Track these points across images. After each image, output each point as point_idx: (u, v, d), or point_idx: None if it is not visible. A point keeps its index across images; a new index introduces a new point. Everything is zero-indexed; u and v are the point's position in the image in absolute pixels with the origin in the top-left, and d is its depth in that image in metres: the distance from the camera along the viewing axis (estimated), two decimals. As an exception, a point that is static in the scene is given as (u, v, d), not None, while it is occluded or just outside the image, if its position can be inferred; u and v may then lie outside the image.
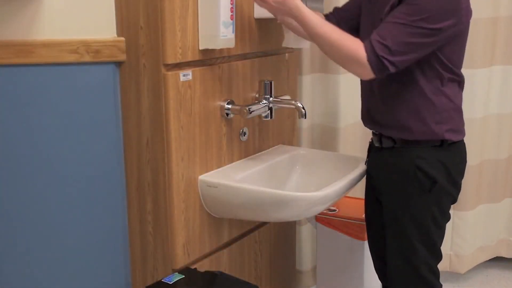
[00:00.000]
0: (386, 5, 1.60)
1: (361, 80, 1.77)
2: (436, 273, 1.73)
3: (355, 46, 1.56)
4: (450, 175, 1.66)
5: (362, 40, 1.58)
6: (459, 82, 1.67)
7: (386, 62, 1.53)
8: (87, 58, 1.57)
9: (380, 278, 1.93)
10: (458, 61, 1.65)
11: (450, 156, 1.66)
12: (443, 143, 1.64)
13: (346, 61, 1.59)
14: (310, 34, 1.64)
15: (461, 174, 1.73)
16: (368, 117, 1.76)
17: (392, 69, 1.54)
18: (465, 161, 1.74)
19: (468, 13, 1.61)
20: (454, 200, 1.73)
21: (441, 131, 1.63)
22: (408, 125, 1.64)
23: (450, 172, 1.65)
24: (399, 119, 1.65)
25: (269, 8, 1.69)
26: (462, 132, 1.70)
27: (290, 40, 1.94)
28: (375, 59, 1.53)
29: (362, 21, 1.78)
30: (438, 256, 1.73)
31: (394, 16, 1.55)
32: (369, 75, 1.56)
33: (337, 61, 1.65)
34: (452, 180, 1.67)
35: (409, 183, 1.65)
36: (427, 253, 1.69)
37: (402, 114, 1.64)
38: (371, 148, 1.81)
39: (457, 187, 1.72)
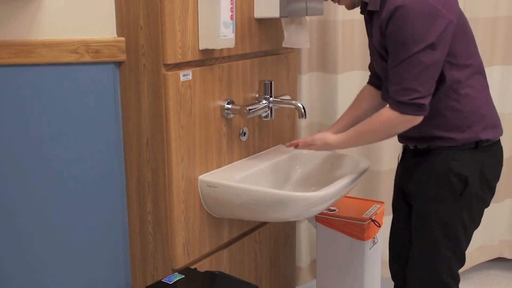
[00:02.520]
0: (376, 33, 1.62)
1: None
2: (456, 279, 1.72)
3: (379, 117, 1.62)
4: (485, 178, 1.65)
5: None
6: (478, 72, 1.64)
7: (416, 101, 1.54)
8: (87, 58, 1.57)
9: (393, 277, 1.92)
10: (465, 50, 1.62)
11: (486, 158, 1.65)
12: (478, 145, 1.63)
13: (389, 130, 1.64)
14: (360, 145, 1.82)
15: (497, 177, 1.71)
16: (401, 135, 1.75)
17: (426, 101, 1.55)
18: (501, 164, 1.72)
19: (451, 10, 1.57)
20: (487, 205, 1.72)
21: (475, 133, 1.62)
22: (441, 136, 1.64)
23: (484, 175, 1.64)
24: (431, 134, 1.65)
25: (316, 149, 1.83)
26: (498, 126, 1.68)
27: (290, 40, 1.94)
28: (406, 107, 1.55)
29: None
30: (462, 261, 1.72)
31: (393, 60, 1.57)
32: (416, 119, 1.57)
33: (386, 137, 1.70)
34: (486, 183, 1.66)
35: (442, 187, 1.64)
36: (451, 257, 1.68)
37: (433, 129, 1.64)
38: (406, 150, 1.80)
39: (492, 191, 1.70)
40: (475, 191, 1.64)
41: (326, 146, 1.80)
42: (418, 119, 1.58)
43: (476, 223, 1.71)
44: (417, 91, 1.53)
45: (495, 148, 1.69)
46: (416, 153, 1.72)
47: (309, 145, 1.83)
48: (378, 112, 1.64)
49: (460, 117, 1.62)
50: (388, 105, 1.61)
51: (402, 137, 1.76)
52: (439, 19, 1.52)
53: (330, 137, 1.78)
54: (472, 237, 2.59)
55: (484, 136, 1.63)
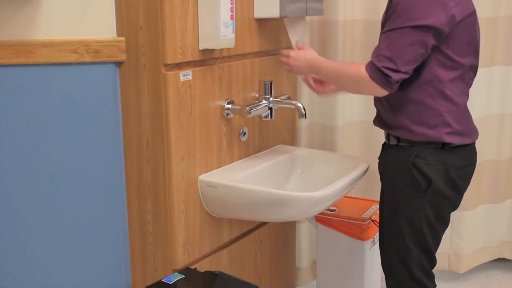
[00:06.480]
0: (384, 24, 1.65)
1: None
2: (429, 275, 1.73)
3: (354, 67, 1.63)
4: (450, 178, 1.65)
5: None
6: (462, 79, 1.65)
7: (388, 71, 1.55)
8: (87, 58, 1.57)
9: None
10: (457, 54, 1.62)
11: (452, 159, 1.65)
12: (444, 146, 1.64)
13: (355, 85, 1.66)
14: (327, 79, 1.79)
15: (464, 179, 1.71)
16: (378, 119, 1.79)
17: (396, 76, 1.56)
18: (471, 166, 1.73)
19: (461, 6, 1.58)
20: (454, 206, 1.73)
21: (439, 134, 1.63)
22: (408, 127, 1.66)
23: (450, 175, 1.65)
24: (401, 122, 1.67)
25: (291, 69, 1.85)
26: (466, 134, 1.68)
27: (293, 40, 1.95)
28: (377, 73, 1.56)
29: None
30: (432, 260, 1.73)
31: (386, 27, 1.60)
32: (380, 91, 1.59)
33: (350, 90, 1.75)
34: (451, 184, 1.66)
35: (407, 182, 1.66)
36: (420, 254, 1.69)
37: (403, 118, 1.66)
38: (383, 146, 1.83)
39: (458, 192, 1.71)
40: (441, 191, 1.65)
41: (300, 68, 1.82)
42: (382, 92, 1.59)
43: (443, 222, 1.72)
44: (393, 62, 1.55)
45: (464, 150, 1.69)
46: (388, 149, 1.75)
47: (288, 60, 1.84)
48: (356, 64, 1.66)
49: (430, 114, 1.63)
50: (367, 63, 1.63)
51: (377, 120, 1.79)
52: (442, 9, 1.54)
53: (309, 55, 1.81)
54: (472, 238, 2.63)
55: (448, 139, 1.64)
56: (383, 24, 1.67)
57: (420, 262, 1.70)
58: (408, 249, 1.69)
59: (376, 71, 1.57)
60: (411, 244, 1.69)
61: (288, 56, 1.84)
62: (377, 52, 1.59)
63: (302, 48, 1.87)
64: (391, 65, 1.55)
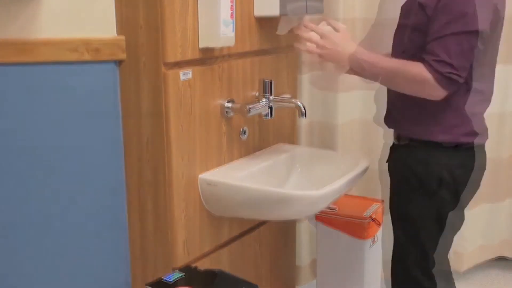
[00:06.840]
0: (411, 13, 1.62)
1: None
2: (428, 274, 1.73)
3: (418, 69, 1.54)
4: (445, 180, 1.65)
5: (394, 52, 1.65)
6: (476, 90, 1.64)
7: (454, 76, 1.53)
8: (87, 57, 1.57)
9: None
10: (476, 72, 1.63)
11: (458, 161, 1.65)
12: (457, 146, 1.64)
13: (415, 87, 1.57)
14: (371, 75, 1.64)
15: (464, 182, 1.69)
16: (390, 118, 1.77)
17: (461, 80, 1.55)
18: (477, 170, 1.71)
19: (498, 6, 1.58)
20: (451, 209, 1.72)
21: (457, 134, 1.63)
22: (424, 128, 1.65)
23: (451, 177, 1.65)
24: (416, 122, 1.66)
25: (317, 55, 1.66)
26: (477, 135, 1.66)
27: (283, 28, 1.95)
28: (442, 78, 1.53)
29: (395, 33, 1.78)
30: (430, 263, 1.73)
31: (437, 31, 1.54)
32: (442, 94, 1.56)
33: (406, 90, 1.61)
34: (451, 187, 1.66)
35: (410, 181, 1.67)
36: (418, 255, 1.70)
37: (415, 118, 1.66)
38: (392, 147, 1.83)
39: (457, 196, 1.69)
40: (440, 193, 1.65)
41: (336, 55, 1.60)
42: (440, 94, 1.55)
43: (440, 225, 1.71)
44: (455, 68, 1.52)
45: (473, 152, 1.68)
46: (398, 149, 1.75)
47: (317, 46, 1.64)
48: (412, 62, 1.55)
49: (445, 116, 1.62)
50: (424, 65, 1.55)
51: (388, 120, 1.78)
52: (491, 9, 1.54)
53: (349, 44, 1.60)
54: (473, 236, 2.63)
55: (465, 139, 1.63)
56: (407, 11, 1.63)
57: (419, 263, 1.71)
58: (405, 249, 1.70)
59: (443, 77, 1.53)
60: (408, 244, 1.70)
61: (321, 36, 1.63)
62: (436, 56, 1.53)
63: (335, 27, 1.65)
64: (455, 71, 1.53)
